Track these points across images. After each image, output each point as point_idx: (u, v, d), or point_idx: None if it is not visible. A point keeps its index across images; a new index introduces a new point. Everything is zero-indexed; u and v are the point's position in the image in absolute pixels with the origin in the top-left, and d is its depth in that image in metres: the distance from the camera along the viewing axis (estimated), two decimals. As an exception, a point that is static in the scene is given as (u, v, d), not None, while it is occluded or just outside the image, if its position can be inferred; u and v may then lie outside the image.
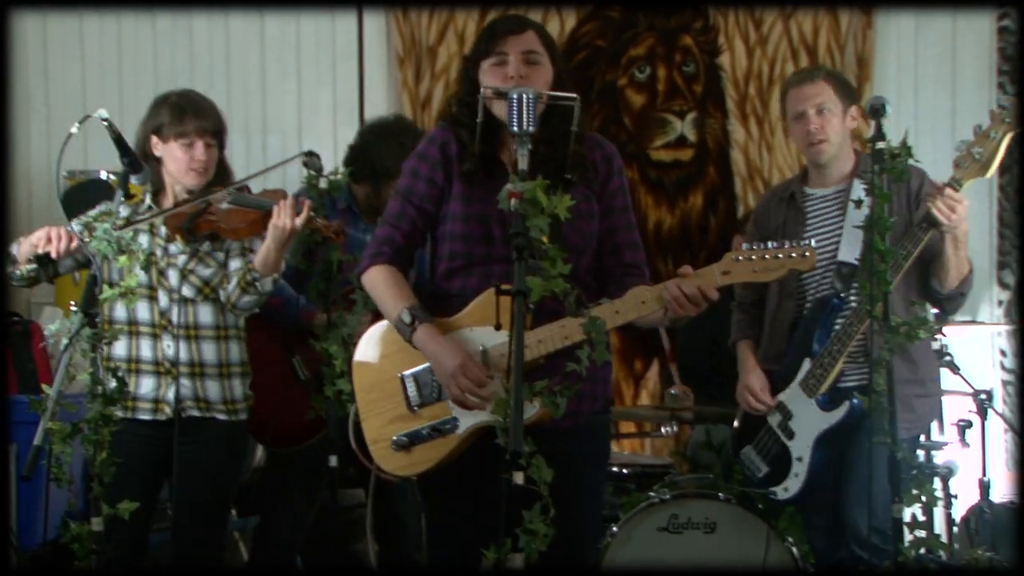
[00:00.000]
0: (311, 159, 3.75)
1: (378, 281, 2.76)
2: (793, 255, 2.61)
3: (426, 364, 2.72)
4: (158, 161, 3.30)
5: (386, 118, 4.06)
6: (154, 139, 3.29)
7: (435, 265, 2.83)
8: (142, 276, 3.20)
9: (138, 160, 3.11)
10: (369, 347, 2.84)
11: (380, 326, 2.84)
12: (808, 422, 3.29)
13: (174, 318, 3.25)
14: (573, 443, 2.69)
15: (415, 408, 2.75)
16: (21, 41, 4.96)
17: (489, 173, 2.73)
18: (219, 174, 3.35)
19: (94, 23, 5.01)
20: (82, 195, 4.16)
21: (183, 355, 3.26)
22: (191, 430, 3.27)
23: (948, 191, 3.07)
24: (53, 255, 3.11)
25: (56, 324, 2.99)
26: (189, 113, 3.27)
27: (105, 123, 3.05)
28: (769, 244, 2.65)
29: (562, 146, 2.68)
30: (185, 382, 3.27)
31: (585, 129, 2.71)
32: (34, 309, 4.81)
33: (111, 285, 3.01)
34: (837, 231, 3.31)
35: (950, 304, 3.34)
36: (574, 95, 2.62)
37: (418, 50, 5.02)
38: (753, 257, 2.61)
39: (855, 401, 3.18)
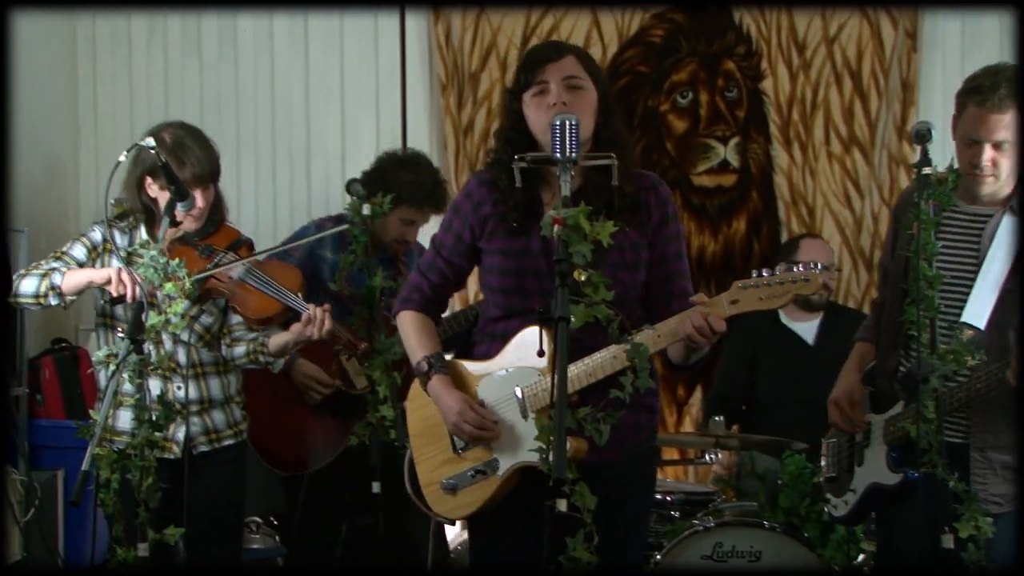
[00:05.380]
0: (354, 186, 3.79)
1: (406, 326, 2.86)
2: (796, 281, 2.57)
3: None
4: (153, 200, 3.33)
5: (403, 150, 4.20)
6: (148, 180, 3.31)
7: (485, 304, 2.88)
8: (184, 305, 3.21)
9: (185, 187, 3.14)
10: (418, 393, 2.87)
11: None
12: (873, 465, 3.06)
13: (180, 359, 3.28)
14: (616, 473, 2.67)
15: (460, 451, 2.78)
16: (72, 72, 5.04)
17: (530, 218, 2.69)
18: (214, 208, 3.39)
19: (142, 54, 5.08)
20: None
21: (193, 394, 3.31)
22: (202, 465, 3.30)
23: None
24: (129, 300, 3.11)
25: (104, 351, 3.02)
26: (186, 164, 3.26)
27: (153, 151, 3.09)
28: (776, 270, 2.61)
29: (607, 195, 2.64)
30: (195, 419, 3.32)
31: (631, 166, 2.69)
32: (82, 335, 4.86)
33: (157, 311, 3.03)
34: (969, 257, 2.97)
35: None
36: (610, 155, 2.60)
37: (460, 76, 5.04)
38: (759, 285, 2.58)
39: (912, 475, 2.91)
